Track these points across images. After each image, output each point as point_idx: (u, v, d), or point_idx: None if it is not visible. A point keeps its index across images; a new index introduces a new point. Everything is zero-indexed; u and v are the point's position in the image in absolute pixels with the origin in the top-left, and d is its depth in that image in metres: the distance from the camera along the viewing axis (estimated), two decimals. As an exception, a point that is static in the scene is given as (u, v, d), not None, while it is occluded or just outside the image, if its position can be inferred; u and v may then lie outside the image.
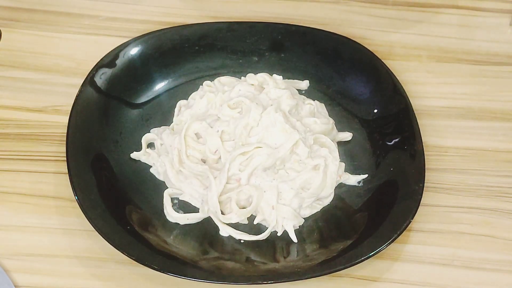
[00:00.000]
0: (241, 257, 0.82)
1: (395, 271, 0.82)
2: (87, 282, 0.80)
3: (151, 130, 0.91)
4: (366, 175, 0.87)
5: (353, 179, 0.87)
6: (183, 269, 0.79)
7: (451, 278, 0.81)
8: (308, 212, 0.85)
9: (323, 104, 0.93)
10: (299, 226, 0.84)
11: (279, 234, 0.83)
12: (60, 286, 0.80)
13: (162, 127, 0.91)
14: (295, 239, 0.83)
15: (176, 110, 0.92)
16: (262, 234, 0.83)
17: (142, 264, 0.78)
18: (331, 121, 0.91)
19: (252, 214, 0.85)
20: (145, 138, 0.89)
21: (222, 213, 0.84)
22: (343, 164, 0.87)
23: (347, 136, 0.91)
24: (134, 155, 0.88)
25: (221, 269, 0.80)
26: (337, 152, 0.87)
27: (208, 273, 0.79)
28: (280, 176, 0.85)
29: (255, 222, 0.84)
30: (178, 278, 0.78)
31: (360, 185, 0.87)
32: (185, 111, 0.91)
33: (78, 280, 0.80)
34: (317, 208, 0.86)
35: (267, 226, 0.84)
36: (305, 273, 0.79)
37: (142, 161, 0.88)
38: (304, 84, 0.95)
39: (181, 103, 0.93)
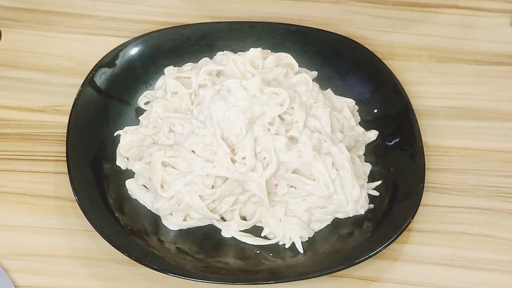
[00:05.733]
0: (242, 256, 0.82)
1: (395, 271, 0.82)
2: (87, 282, 0.80)
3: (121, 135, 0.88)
4: (380, 181, 0.86)
5: (368, 187, 0.86)
6: (183, 269, 0.79)
7: (451, 278, 0.81)
8: (317, 226, 0.84)
9: (352, 101, 0.92)
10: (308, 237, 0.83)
11: (287, 247, 0.82)
12: (60, 286, 0.80)
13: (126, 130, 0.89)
14: (301, 250, 0.82)
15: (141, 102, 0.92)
16: (267, 241, 0.82)
17: (142, 264, 0.78)
18: (358, 118, 0.91)
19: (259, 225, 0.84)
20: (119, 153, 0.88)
21: (224, 218, 0.84)
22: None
23: (372, 136, 0.90)
24: (121, 165, 0.88)
25: (221, 269, 0.80)
26: (366, 179, 0.85)
27: (208, 273, 0.79)
28: (291, 193, 0.83)
29: (262, 235, 0.83)
30: (178, 278, 0.78)
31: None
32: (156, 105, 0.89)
33: (78, 280, 0.80)
34: (328, 221, 0.84)
35: (273, 238, 0.83)
36: (305, 273, 0.79)
37: (129, 168, 0.88)
38: (312, 74, 0.95)
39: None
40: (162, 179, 0.82)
